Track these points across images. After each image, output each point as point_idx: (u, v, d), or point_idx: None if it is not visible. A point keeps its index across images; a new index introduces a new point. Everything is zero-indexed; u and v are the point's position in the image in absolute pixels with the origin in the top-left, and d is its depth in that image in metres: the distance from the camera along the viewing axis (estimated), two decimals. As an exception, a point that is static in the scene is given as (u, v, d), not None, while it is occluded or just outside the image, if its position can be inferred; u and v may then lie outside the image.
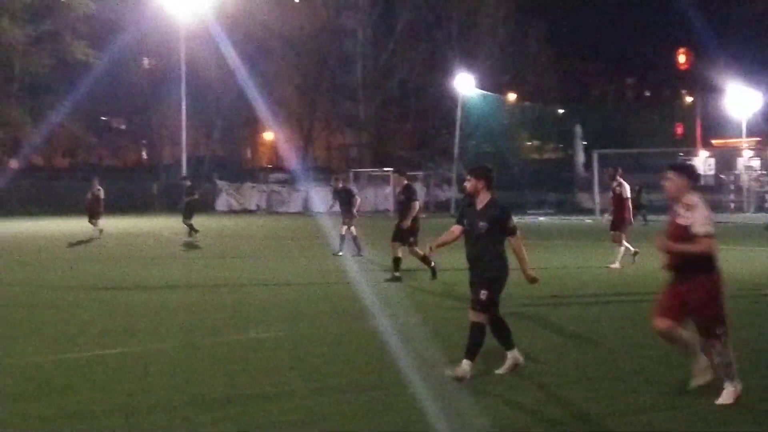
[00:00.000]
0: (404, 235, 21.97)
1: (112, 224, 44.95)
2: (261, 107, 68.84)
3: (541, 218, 56.95)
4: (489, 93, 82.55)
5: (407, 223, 21.84)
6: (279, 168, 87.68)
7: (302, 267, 26.52)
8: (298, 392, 10.54)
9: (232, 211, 68.85)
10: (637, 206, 50.11)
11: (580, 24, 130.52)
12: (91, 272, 24.78)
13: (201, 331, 15.04)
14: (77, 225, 44.94)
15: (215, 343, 13.92)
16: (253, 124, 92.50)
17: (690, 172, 10.44)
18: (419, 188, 70.39)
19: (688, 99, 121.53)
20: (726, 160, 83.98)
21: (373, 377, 11.40)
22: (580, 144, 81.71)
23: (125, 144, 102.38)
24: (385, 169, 70.38)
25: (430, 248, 12.76)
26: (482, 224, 11.34)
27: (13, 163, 73.53)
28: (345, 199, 30.04)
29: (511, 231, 11.52)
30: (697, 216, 9.76)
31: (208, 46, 72.51)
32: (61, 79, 74.61)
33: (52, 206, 62.65)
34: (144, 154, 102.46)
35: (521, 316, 15.82)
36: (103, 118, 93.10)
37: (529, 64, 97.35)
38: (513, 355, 11.51)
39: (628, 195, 24.88)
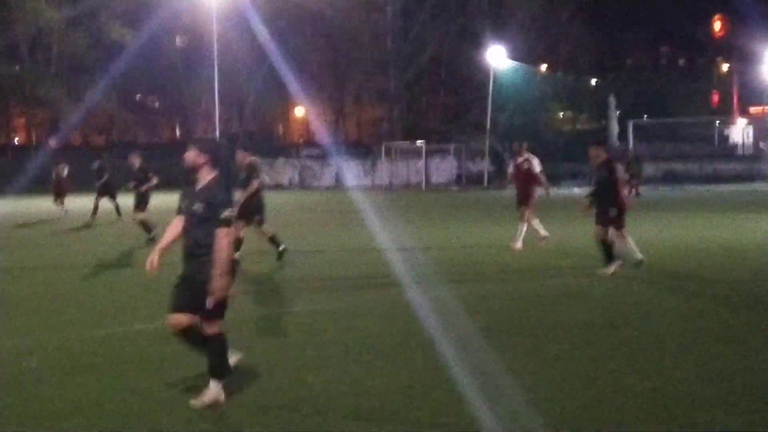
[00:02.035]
0: (248, 215, 20.58)
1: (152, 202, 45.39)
2: (292, 83, 69.25)
3: (576, 189, 57.22)
4: (521, 64, 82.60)
5: (244, 200, 20.39)
6: (311, 143, 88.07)
7: (340, 239, 26.84)
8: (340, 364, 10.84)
9: (264, 187, 69.32)
10: (632, 176, 50.77)
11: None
12: (132, 249, 25.21)
13: (247, 303, 15.20)
14: (119, 201, 45.42)
15: (261, 315, 14.30)
16: (284, 100, 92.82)
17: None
18: (451, 161, 71.12)
19: (724, 67, 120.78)
20: (765, 128, 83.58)
21: (414, 354, 11.41)
22: (615, 114, 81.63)
23: (159, 121, 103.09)
24: (418, 142, 70.82)
25: (151, 263, 9.54)
26: (197, 206, 9.20)
27: (52, 142, 74.46)
28: None
29: (222, 222, 9.08)
30: None
31: (239, 23, 73.07)
32: (97, 59, 75.48)
33: (90, 184, 63.37)
34: (178, 132, 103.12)
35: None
36: (138, 96, 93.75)
37: (561, 34, 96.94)
38: (215, 389, 9.15)
39: (539, 169, 23.39)
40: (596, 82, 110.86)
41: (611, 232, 18.28)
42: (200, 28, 77.91)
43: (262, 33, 67.23)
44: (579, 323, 13.18)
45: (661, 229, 28.72)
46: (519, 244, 23.05)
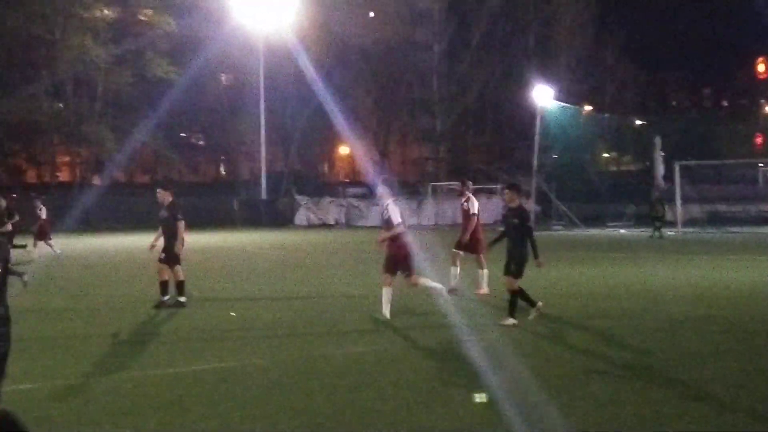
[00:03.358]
0: (173, 257, 20.29)
1: (193, 240, 45.29)
2: (338, 121, 69.21)
3: (622, 230, 56.62)
4: (567, 104, 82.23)
5: (179, 247, 20.32)
6: (356, 182, 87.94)
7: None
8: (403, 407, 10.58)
9: (310, 226, 69.17)
10: (654, 218, 50.21)
11: (658, 35, 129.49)
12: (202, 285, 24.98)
13: (292, 345, 15.12)
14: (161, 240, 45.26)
15: (310, 357, 13.99)
16: (330, 139, 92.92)
17: None
18: (497, 201, 70.65)
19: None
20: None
21: (465, 391, 11.23)
22: (660, 155, 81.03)
23: (204, 160, 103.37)
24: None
25: None
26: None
27: (97, 180, 74.63)
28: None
29: None
30: None
31: (285, 62, 73.20)
32: (142, 97, 75.65)
33: (134, 222, 63.45)
34: (222, 170, 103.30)
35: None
36: (183, 135, 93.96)
37: (606, 75, 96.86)
38: None
39: (476, 211, 22.09)
40: (641, 122, 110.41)
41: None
42: (246, 67, 78.20)
43: (309, 71, 67.24)
44: (626, 365, 12.94)
45: (705, 270, 28.20)
46: (484, 289, 22.04)
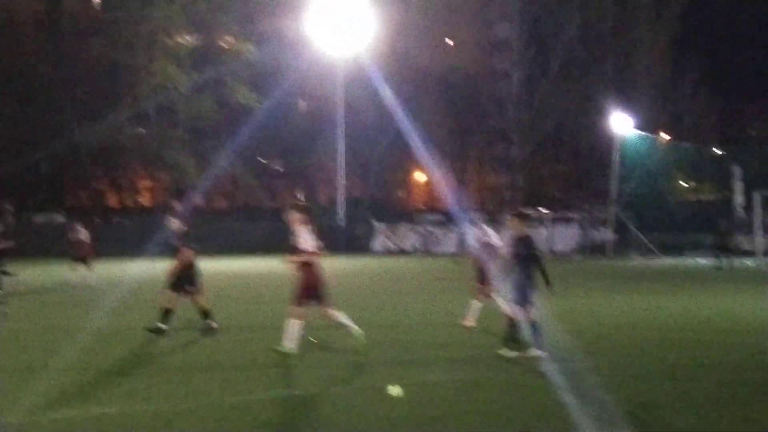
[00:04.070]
0: (180, 284, 20.25)
1: (271, 265, 45.64)
2: (415, 148, 69.43)
3: (700, 260, 56.24)
4: (645, 133, 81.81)
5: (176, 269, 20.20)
6: (433, 209, 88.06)
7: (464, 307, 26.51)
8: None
9: (388, 252, 69.39)
10: (721, 248, 49.65)
11: (737, 64, 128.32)
12: (265, 311, 25.52)
13: (372, 371, 15.35)
14: (244, 264, 45.64)
15: (386, 383, 13.92)
16: (407, 165, 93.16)
17: None
18: (574, 230, 70.44)
19: None
20: None
21: (545, 424, 11.45)
22: (739, 185, 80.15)
23: (283, 185, 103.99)
24: (542, 210, 70.38)
25: None
26: None
27: (177, 205, 75.38)
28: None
29: None
30: None
31: (364, 89, 73.67)
32: (222, 123, 76.48)
33: (215, 247, 64.05)
34: (301, 196, 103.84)
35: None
36: (262, 161, 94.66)
37: (685, 103, 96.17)
38: None
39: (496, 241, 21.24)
40: (719, 152, 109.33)
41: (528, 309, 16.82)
42: (325, 93, 78.80)
43: (387, 98, 67.63)
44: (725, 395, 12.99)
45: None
46: (470, 322, 21.50)
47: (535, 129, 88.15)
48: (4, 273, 27.90)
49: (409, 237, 71.21)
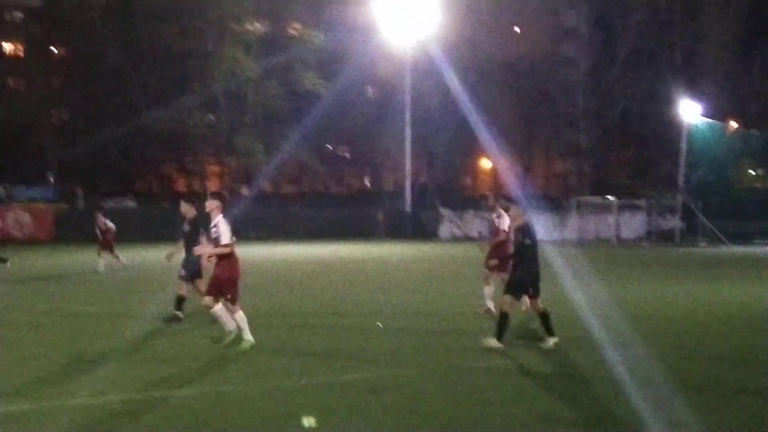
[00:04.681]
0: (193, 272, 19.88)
1: (337, 250, 45.94)
2: (482, 135, 69.39)
3: (768, 248, 55.79)
4: (713, 120, 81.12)
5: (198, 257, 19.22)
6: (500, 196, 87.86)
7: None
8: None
9: (454, 239, 69.45)
10: None
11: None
12: (324, 297, 25.45)
13: (438, 356, 15.42)
14: (310, 250, 45.92)
15: (449, 369, 14.32)
16: (473, 152, 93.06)
17: None
18: (641, 217, 70.08)
19: None
20: None
21: (597, 411, 11.50)
22: (807, 173, 79.35)
23: (349, 171, 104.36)
24: (609, 197, 70.08)
25: None
26: None
27: (245, 191, 76.13)
28: None
29: None
30: None
31: (431, 75, 73.76)
32: (290, 109, 76.90)
33: (282, 232, 64.50)
34: (367, 182, 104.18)
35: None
36: (329, 146, 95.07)
37: (753, 90, 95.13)
38: None
39: (506, 228, 20.20)
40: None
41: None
42: (392, 80, 78.98)
43: (454, 85, 67.69)
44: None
45: None
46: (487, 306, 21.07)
47: (602, 116, 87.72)
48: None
49: (475, 223, 71.11)
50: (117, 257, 34.81)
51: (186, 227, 20.10)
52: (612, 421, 10.91)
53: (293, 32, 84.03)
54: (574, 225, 69.54)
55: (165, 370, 13.97)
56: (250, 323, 16.15)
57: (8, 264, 34.05)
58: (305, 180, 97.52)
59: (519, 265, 16.23)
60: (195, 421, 10.74)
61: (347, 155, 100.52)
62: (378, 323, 19.27)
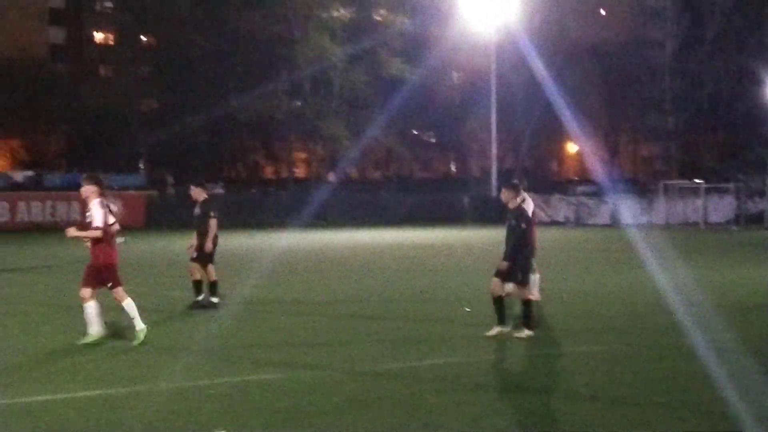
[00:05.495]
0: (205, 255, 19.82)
1: (423, 235, 46.16)
2: (567, 119, 69.18)
3: None
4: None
5: (209, 245, 19.71)
6: (585, 180, 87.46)
7: (615, 279, 26.55)
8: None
9: (541, 223, 69.24)
10: None
11: None
12: (417, 284, 25.61)
13: (520, 344, 15.57)
14: (396, 235, 46.20)
15: (533, 356, 14.63)
16: (559, 136, 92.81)
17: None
18: (730, 200, 69.34)
19: None
20: None
21: (691, 395, 11.60)
22: None
23: (435, 157, 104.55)
24: (696, 180, 69.47)
25: None
26: None
27: (331, 176, 76.67)
28: None
29: None
30: None
31: (516, 59, 73.62)
32: (376, 94, 77.22)
33: (369, 217, 64.82)
34: (453, 167, 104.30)
35: None
36: (414, 131, 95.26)
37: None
38: None
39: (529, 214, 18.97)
40: None
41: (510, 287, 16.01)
42: (477, 65, 78.96)
43: (539, 69, 67.52)
44: None
45: None
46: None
47: (690, 99, 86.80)
48: None
49: (561, 208, 70.84)
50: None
51: (197, 211, 20.12)
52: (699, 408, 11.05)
53: (378, 18, 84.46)
54: (661, 209, 68.95)
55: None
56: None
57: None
58: (391, 165, 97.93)
59: (523, 250, 16.15)
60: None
61: (433, 140, 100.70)
62: (466, 308, 19.45)
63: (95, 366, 13.58)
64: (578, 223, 67.53)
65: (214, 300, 19.82)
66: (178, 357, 14.20)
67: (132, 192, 66.10)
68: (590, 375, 12.76)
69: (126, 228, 55.88)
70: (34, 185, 69.58)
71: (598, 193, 70.82)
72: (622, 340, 15.79)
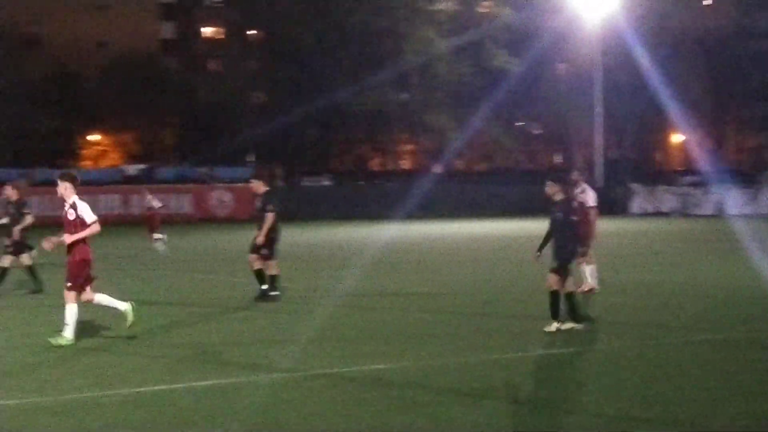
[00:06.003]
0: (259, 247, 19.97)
1: (523, 227, 46.55)
2: (672, 110, 69.09)
3: None
4: None
5: (261, 238, 19.71)
6: (691, 170, 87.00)
7: (720, 272, 26.50)
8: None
9: (646, 214, 69.10)
10: None
11: None
12: (511, 275, 26.12)
13: (625, 334, 16.00)
14: (501, 227, 46.55)
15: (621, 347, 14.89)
16: (664, 127, 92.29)
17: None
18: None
19: None
20: None
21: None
22: None
23: (540, 148, 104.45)
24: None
25: None
26: None
27: (437, 168, 77.35)
28: None
29: None
30: None
31: (620, 50, 73.57)
32: (480, 86, 77.59)
33: (474, 209, 65.26)
34: (558, 158, 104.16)
35: None
36: (519, 123, 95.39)
37: None
38: None
39: (593, 203, 20.18)
40: None
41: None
42: (582, 56, 79.00)
43: (644, 60, 67.57)
44: None
45: None
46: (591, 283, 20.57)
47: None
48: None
49: (666, 199, 70.67)
50: (152, 239, 34.47)
51: (258, 204, 20.26)
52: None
53: (483, 10, 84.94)
54: (766, 199, 68.49)
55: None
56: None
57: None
58: (496, 157, 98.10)
59: (559, 242, 15.88)
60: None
61: (537, 131, 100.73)
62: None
63: (214, 355, 14.16)
64: (683, 213, 67.27)
65: (274, 293, 20.03)
66: (285, 347, 14.50)
67: (242, 185, 67.73)
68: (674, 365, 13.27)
69: (235, 220, 57.46)
70: (147, 178, 71.49)
71: (703, 184, 70.46)
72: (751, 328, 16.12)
